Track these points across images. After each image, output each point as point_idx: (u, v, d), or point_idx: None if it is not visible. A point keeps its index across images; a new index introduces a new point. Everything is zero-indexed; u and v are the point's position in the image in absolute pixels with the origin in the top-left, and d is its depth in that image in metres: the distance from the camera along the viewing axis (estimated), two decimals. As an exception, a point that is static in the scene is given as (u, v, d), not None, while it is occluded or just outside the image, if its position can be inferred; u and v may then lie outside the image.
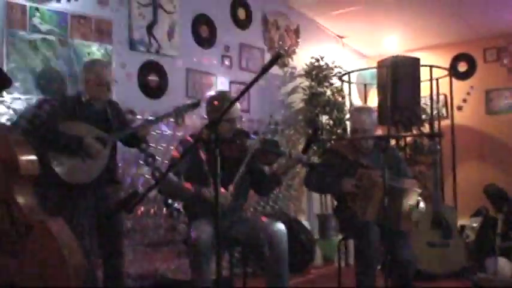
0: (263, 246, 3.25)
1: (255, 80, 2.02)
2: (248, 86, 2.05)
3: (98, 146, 3.47)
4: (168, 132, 4.79)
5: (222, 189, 3.11)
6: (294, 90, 6.15)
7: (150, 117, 3.93)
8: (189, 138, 3.53)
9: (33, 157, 2.93)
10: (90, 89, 3.57)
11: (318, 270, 5.27)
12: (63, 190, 3.48)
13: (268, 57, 5.95)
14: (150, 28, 4.81)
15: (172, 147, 4.68)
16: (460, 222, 5.09)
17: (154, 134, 4.47)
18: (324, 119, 6.01)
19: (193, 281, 3.25)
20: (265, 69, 1.98)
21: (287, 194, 5.77)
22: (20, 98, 3.86)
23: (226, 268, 3.95)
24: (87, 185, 3.49)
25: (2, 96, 3.73)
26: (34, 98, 3.94)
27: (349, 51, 7.07)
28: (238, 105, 3.46)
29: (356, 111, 3.94)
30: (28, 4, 3.99)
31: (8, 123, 3.74)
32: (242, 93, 2.13)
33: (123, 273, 3.84)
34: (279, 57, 2.05)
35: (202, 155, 3.37)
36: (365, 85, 6.71)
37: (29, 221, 2.77)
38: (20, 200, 2.83)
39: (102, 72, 3.56)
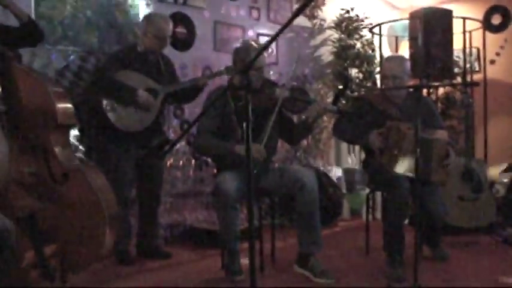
0: (294, 194, 3.27)
1: (287, 24, 1.96)
2: (279, 31, 2.00)
3: (150, 98, 3.59)
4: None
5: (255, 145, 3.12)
6: (323, 43, 6.04)
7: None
8: (217, 89, 3.53)
9: (69, 106, 2.96)
10: (148, 41, 3.72)
11: (345, 223, 5.29)
12: (111, 137, 3.60)
13: (296, 8, 5.83)
14: (177, -21, 4.74)
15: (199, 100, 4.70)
16: (490, 176, 5.01)
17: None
18: (354, 72, 5.91)
19: (221, 232, 3.31)
20: (297, 13, 1.92)
21: (315, 147, 5.74)
22: (49, 49, 3.88)
23: (255, 219, 3.98)
24: (135, 134, 3.60)
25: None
26: (63, 49, 3.95)
27: (380, 2, 6.88)
28: (265, 54, 3.44)
29: (387, 59, 3.88)
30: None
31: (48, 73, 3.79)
32: (273, 39, 2.07)
33: (157, 221, 3.95)
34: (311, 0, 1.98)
35: (231, 105, 3.37)
36: (396, 37, 6.56)
37: (65, 169, 2.82)
38: (57, 148, 2.87)
39: (161, 26, 3.71)
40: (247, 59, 3.31)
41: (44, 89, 2.92)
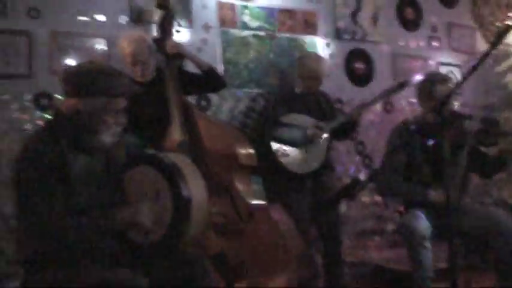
0: (490, 238, 3.03)
1: (483, 58, 1.85)
2: (472, 70, 1.89)
3: (320, 133, 3.65)
4: (377, 119, 4.71)
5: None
6: (510, 69, 5.61)
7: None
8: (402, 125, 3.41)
9: (250, 150, 3.09)
10: (303, 82, 3.82)
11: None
12: (285, 179, 3.67)
13: (478, 35, 5.55)
14: (354, 15, 4.75)
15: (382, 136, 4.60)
16: None
17: (364, 122, 4.37)
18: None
19: (414, 272, 3.15)
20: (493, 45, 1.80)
21: (508, 181, 5.28)
22: (236, 93, 4.08)
23: (446, 260, 3.75)
24: (307, 173, 3.63)
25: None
26: (249, 92, 4.14)
27: None
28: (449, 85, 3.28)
29: None
30: (237, 3, 4.17)
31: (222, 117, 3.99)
32: (465, 78, 1.97)
33: (342, 260, 3.91)
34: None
35: (417, 142, 3.23)
36: None
37: (250, 208, 2.91)
38: (241, 187, 2.99)
39: (313, 67, 3.79)
40: (433, 91, 3.18)
41: (224, 133, 3.09)
